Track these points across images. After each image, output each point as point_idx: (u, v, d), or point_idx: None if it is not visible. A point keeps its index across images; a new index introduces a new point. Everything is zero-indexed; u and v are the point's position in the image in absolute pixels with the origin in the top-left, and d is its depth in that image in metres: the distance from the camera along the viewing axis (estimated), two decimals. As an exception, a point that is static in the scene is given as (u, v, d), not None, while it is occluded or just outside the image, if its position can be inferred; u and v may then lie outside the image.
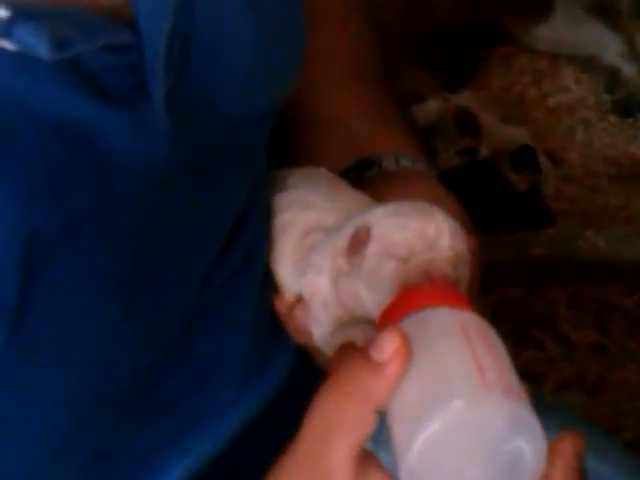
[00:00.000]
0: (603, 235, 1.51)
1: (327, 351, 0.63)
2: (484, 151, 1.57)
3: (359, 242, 0.60)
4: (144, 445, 0.64)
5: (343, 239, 0.61)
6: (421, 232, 0.59)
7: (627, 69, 1.70)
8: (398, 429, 0.53)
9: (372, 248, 0.60)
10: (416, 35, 1.65)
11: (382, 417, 0.54)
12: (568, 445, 0.54)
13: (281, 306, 0.66)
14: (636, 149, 1.65)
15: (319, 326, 0.63)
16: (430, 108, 1.61)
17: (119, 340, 0.58)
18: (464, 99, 1.63)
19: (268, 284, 0.68)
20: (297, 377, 0.73)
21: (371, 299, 0.60)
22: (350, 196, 0.67)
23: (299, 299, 0.64)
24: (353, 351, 0.54)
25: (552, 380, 1.40)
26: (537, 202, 1.56)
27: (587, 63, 1.73)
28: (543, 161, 1.58)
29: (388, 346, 0.52)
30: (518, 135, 1.60)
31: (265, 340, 0.70)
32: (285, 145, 0.75)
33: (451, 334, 0.54)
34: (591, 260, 1.49)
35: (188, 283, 0.63)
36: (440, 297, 0.57)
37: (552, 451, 0.53)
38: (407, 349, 0.52)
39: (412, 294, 0.58)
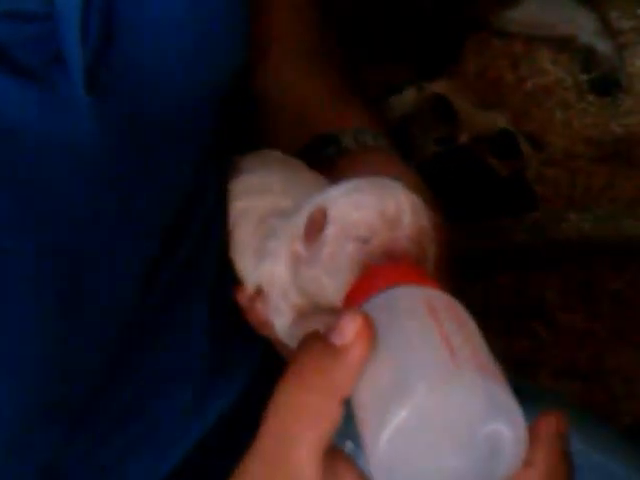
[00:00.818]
0: (587, 216, 1.49)
1: (290, 343, 0.60)
2: (463, 138, 1.55)
3: (316, 225, 0.57)
4: (100, 460, 0.61)
5: (299, 223, 0.58)
6: (380, 209, 0.56)
7: (602, 47, 1.68)
8: (365, 419, 0.49)
9: (330, 230, 0.56)
10: (389, 25, 1.64)
11: None
12: (548, 426, 0.50)
13: (242, 299, 0.63)
14: (616, 127, 1.64)
15: (280, 317, 0.60)
16: (406, 98, 1.60)
17: (57, 341, 0.55)
18: (440, 87, 1.61)
19: (228, 278, 0.65)
20: (263, 378, 0.69)
21: (332, 284, 0.56)
22: (306, 178, 0.64)
23: (259, 290, 0.61)
24: (313, 338, 0.50)
25: (546, 367, 1.38)
26: (521, 187, 1.54)
27: (563, 44, 1.72)
28: (524, 145, 1.56)
29: (349, 329, 0.48)
30: (496, 120, 1.59)
31: (227, 338, 0.67)
32: (242, 129, 0.73)
33: (417, 313, 0.50)
34: (577, 242, 1.48)
35: (130, 278, 0.59)
36: (404, 276, 0.53)
37: (532, 434, 0.49)
38: (370, 331, 0.48)
39: (374, 275, 0.54)
